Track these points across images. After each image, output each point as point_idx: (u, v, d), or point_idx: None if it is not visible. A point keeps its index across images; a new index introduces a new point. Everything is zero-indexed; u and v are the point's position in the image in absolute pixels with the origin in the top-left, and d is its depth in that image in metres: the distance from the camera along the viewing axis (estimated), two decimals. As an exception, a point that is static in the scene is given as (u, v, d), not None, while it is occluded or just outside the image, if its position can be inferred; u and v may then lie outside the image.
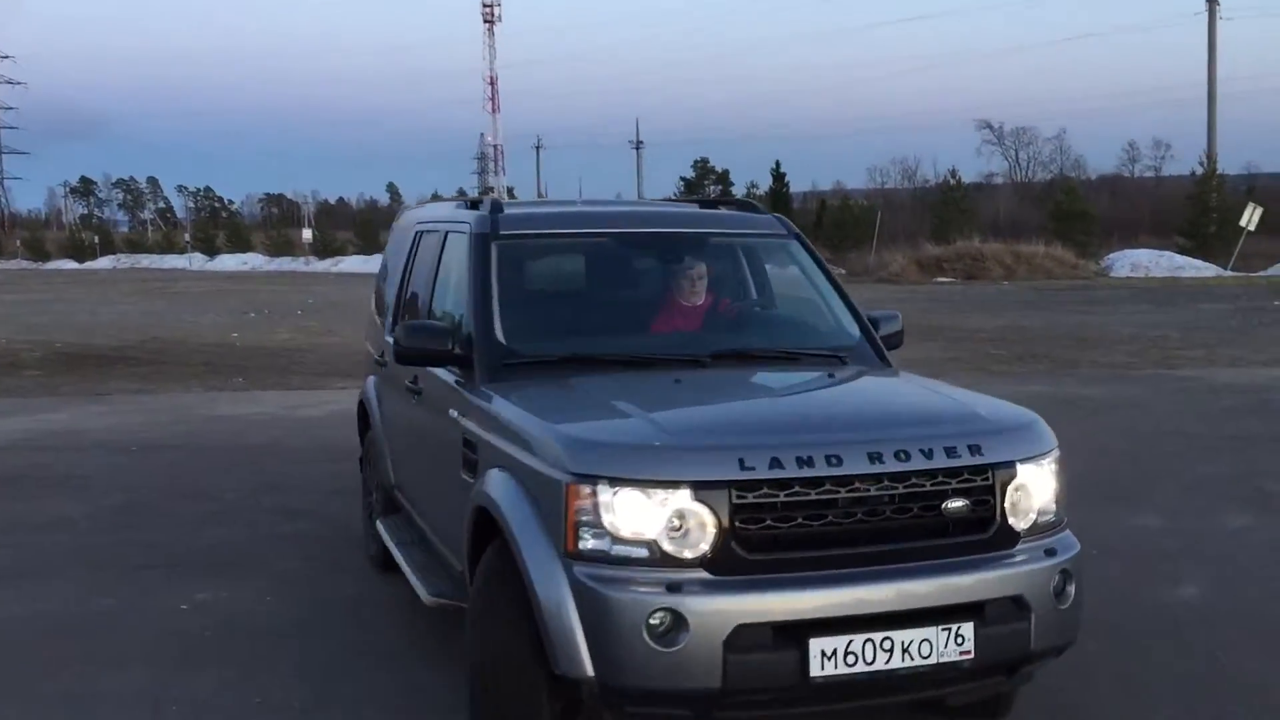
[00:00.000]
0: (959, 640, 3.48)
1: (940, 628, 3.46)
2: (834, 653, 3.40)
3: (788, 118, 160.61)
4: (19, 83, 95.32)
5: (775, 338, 5.06)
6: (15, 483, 8.65)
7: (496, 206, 5.07)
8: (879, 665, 3.44)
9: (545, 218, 5.37)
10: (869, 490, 3.52)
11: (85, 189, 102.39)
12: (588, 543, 3.46)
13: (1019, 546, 3.69)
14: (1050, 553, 3.73)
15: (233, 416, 11.55)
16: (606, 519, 3.44)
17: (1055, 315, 21.99)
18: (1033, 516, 3.75)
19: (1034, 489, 3.75)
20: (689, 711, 3.51)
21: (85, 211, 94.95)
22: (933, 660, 3.47)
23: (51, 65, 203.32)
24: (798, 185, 69.06)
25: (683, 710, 3.51)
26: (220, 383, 14.12)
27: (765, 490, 3.44)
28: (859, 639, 3.42)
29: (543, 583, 3.51)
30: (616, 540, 3.45)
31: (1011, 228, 43.02)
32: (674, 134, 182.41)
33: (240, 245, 59.99)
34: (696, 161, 71.11)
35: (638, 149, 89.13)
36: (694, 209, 5.99)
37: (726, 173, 67.91)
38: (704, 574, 3.42)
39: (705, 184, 70.17)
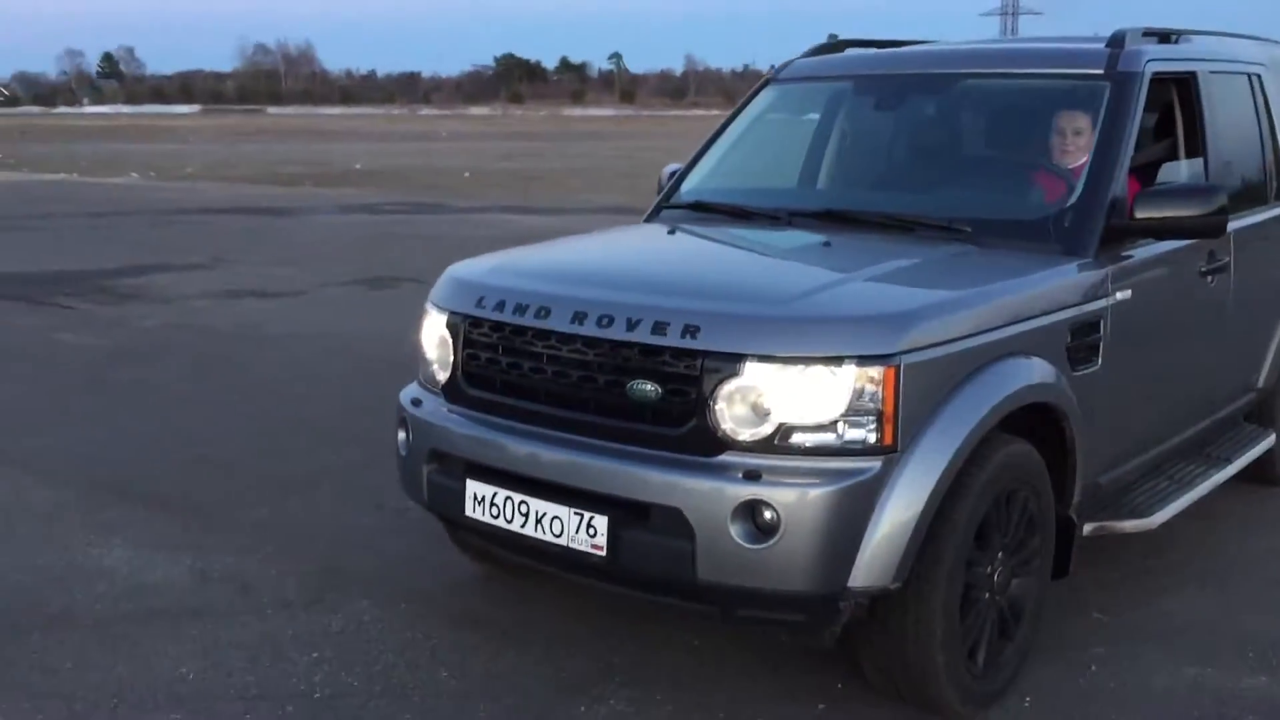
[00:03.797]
0: (590, 530, 3.29)
1: (572, 510, 3.32)
2: (483, 499, 3.51)
3: None
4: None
5: (906, 201, 4.42)
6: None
7: (820, 50, 5.27)
8: (515, 527, 3.43)
9: (838, 62, 5.24)
10: (561, 350, 3.43)
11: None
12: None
13: (722, 458, 3.19)
14: (751, 476, 3.13)
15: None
16: (420, 338, 3.93)
17: None
18: (766, 429, 3.17)
19: (782, 397, 3.16)
20: (441, 519, 4.00)
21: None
22: (563, 541, 3.34)
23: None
24: None
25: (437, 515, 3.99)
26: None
27: (485, 329, 3.61)
28: (502, 494, 3.47)
29: None
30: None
31: None
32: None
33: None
34: None
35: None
36: (1033, 44, 5.23)
37: None
38: (442, 398, 3.77)
39: None
